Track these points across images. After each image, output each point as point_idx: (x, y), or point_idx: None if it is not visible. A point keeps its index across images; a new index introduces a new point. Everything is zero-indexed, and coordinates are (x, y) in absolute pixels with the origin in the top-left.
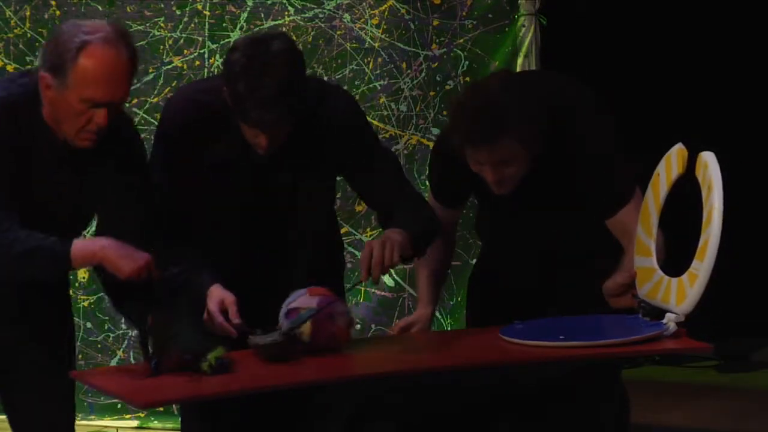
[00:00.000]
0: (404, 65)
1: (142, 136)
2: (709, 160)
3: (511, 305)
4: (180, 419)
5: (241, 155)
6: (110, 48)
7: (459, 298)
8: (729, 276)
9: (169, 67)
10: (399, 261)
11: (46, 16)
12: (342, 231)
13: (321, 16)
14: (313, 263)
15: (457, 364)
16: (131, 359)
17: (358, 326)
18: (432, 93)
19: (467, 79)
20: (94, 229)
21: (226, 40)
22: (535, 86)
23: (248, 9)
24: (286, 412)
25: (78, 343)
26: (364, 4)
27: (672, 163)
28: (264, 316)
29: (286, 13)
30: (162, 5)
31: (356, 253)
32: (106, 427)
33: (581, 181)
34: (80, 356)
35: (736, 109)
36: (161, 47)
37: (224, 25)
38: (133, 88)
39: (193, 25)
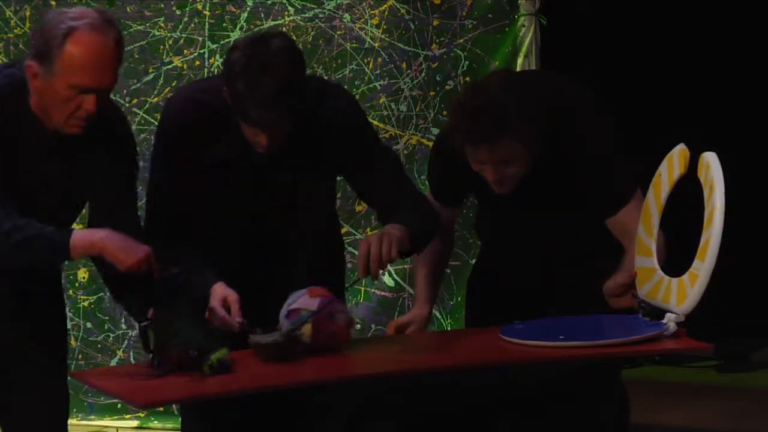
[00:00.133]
0: (404, 65)
1: (142, 136)
2: (711, 161)
3: (511, 305)
4: (180, 419)
5: (241, 155)
6: (97, 34)
7: (459, 298)
8: (729, 276)
9: (169, 67)
10: (397, 256)
11: None
12: (342, 231)
13: (321, 16)
14: (314, 263)
15: (457, 364)
16: (131, 359)
17: (358, 326)
18: (432, 93)
19: (467, 79)
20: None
21: (226, 40)
22: (535, 86)
23: (248, 9)
24: (286, 412)
25: (78, 343)
26: (364, 4)
27: (674, 163)
28: (264, 316)
29: (286, 13)
30: (162, 5)
31: (356, 252)
32: (106, 427)
33: (581, 181)
34: (80, 356)
35: (738, 110)
36: (161, 47)
37: (224, 25)
38: (133, 88)
39: (193, 25)
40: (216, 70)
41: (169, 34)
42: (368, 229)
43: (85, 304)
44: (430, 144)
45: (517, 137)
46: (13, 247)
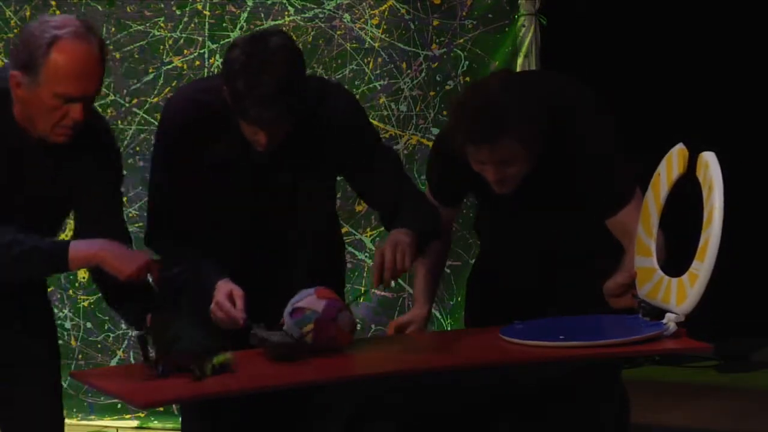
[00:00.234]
0: (404, 65)
1: (142, 136)
2: (709, 160)
3: (511, 305)
4: (180, 419)
5: (241, 155)
6: (81, 42)
7: (459, 298)
8: (729, 276)
9: (169, 67)
10: (410, 266)
11: None
12: (342, 231)
13: (321, 16)
14: (314, 263)
15: (457, 364)
16: (131, 359)
17: (358, 326)
18: (432, 93)
19: (467, 79)
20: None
21: (226, 40)
22: (535, 86)
23: (248, 9)
24: (286, 412)
25: (78, 343)
26: (364, 4)
27: (673, 163)
28: (264, 316)
29: (286, 13)
30: (162, 5)
31: (356, 253)
32: (106, 427)
33: (581, 181)
34: (80, 356)
35: (737, 109)
36: (161, 47)
37: (224, 25)
38: (133, 88)
39: (193, 25)
40: (216, 70)
41: (169, 34)
42: (368, 229)
43: (85, 304)
44: (430, 144)
45: (517, 137)
46: (13, 260)
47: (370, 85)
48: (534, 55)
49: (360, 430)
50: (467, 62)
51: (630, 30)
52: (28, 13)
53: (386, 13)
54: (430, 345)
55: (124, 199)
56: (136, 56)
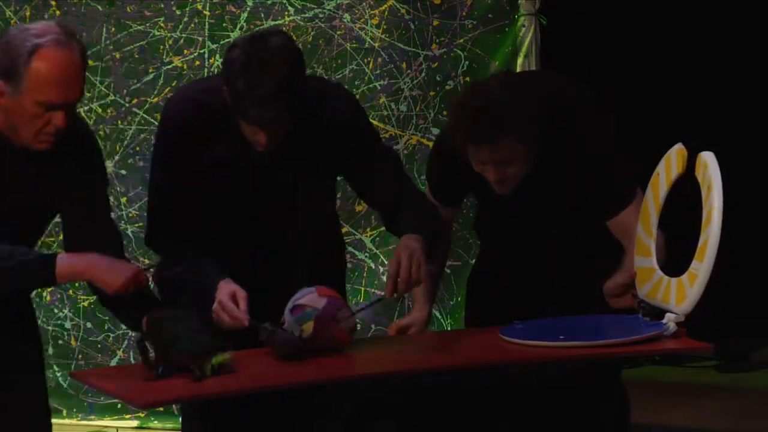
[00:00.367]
0: (404, 65)
1: (142, 136)
2: (708, 160)
3: (511, 305)
4: (180, 419)
5: (241, 155)
6: (62, 49)
7: (459, 298)
8: (729, 276)
9: (169, 67)
10: (425, 278)
11: (46, 17)
12: (342, 231)
13: (321, 16)
14: (314, 263)
15: (457, 364)
16: (131, 359)
17: (358, 326)
18: (432, 93)
19: (467, 79)
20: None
21: (226, 40)
22: (535, 86)
23: (248, 9)
24: (286, 412)
25: (78, 343)
26: (364, 4)
27: (672, 163)
28: (264, 316)
29: (286, 13)
30: (162, 5)
31: (356, 253)
32: (106, 427)
33: (581, 181)
34: (80, 356)
35: (736, 109)
36: (161, 47)
37: (224, 25)
38: (133, 88)
39: (193, 25)
40: (216, 70)
41: (169, 34)
42: (368, 229)
43: (85, 304)
44: (430, 144)
45: (517, 137)
46: (1, 274)
47: (370, 85)
48: (534, 55)
49: (360, 430)
50: (467, 62)
51: (630, 30)
52: (28, 13)
53: (386, 13)
54: (430, 345)
55: (124, 199)
56: (136, 56)
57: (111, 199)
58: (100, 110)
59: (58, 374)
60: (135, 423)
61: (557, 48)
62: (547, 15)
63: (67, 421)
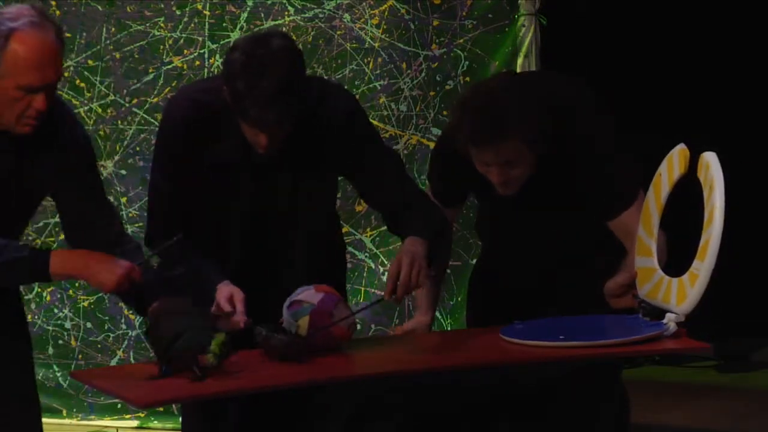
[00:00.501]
0: (404, 65)
1: (142, 136)
2: (710, 161)
3: (511, 305)
4: (180, 419)
5: (241, 155)
6: (38, 31)
7: (459, 298)
8: (729, 276)
9: (169, 67)
10: (425, 282)
11: None
12: (342, 231)
13: (321, 16)
14: (314, 263)
15: (457, 364)
16: (131, 359)
17: (358, 326)
18: (432, 93)
19: (467, 79)
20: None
21: (226, 40)
22: (536, 86)
23: (248, 9)
24: (286, 412)
25: (78, 343)
26: (364, 4)
27: (674, 163)
28: (264, 316)
29: (286, 13)
30: (162, 5)
31: (356, 253)
32: (106, 427)
33: (582, 182)
34: (80, 356)
35: (738, 110)
36: (161, 47)
37: (224, 25)
38: (133, 88)
39: (193, 25)
40: (216, 70)
41: (169, 34)
42: (368, 229)
43: (85, 304)
44: (430, 144)
45: (519, 138)
46: None
47: (370, 85)
48: (534, 55)
49: (360, 430)
50: (467, 62)
51: (630, 30)
52: None
53: (386, 13)
54: (430, 345)
55: (124, 199)
56: (136, 56)
57: (111, 199)
58: (100, 110)
59: (58, 374)
60: (135, 423)
61: (557, 48)
62: (547, 15)
63: (67, 421)
